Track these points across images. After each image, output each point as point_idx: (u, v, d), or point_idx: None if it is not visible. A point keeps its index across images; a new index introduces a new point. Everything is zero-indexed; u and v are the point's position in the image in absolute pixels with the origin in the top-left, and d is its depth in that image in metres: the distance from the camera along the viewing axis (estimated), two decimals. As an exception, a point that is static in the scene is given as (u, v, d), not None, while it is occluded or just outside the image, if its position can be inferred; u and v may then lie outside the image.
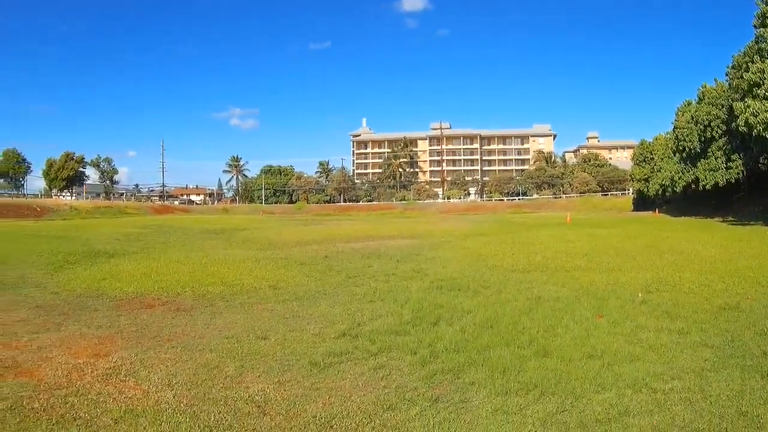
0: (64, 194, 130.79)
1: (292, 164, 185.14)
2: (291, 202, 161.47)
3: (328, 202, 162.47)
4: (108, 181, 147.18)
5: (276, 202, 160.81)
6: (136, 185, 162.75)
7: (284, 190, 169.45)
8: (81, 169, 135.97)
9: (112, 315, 13.48)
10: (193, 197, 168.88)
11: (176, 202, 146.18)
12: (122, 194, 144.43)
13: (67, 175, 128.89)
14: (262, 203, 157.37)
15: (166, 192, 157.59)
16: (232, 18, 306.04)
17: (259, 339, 10.87)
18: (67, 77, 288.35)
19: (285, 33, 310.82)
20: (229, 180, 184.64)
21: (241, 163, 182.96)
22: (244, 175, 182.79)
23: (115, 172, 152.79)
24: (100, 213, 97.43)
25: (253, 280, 18.74)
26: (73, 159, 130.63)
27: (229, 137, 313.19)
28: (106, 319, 13.03)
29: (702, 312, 12.49)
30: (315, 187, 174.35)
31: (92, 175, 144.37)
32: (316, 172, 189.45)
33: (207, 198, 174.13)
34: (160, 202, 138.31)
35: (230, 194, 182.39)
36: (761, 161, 61.50)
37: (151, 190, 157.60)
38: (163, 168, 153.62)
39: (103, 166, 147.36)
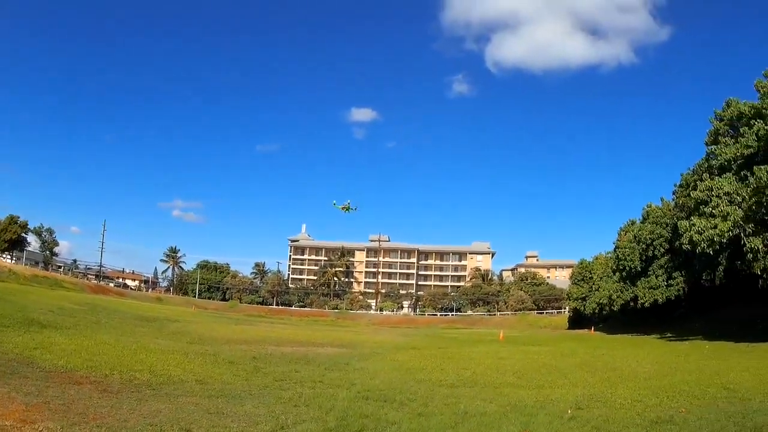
0: (4, 256, 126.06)
1: (228, 262, 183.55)
2: (224, 299, 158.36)
3: (261, 303, 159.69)
4: (48, 252, 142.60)
5: (209, 298, 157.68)
6: (74, 261, 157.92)
7: (218, 287, 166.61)
8: (23, 235, 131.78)
9: (41, 385, 13.63)
10: (128, 281, 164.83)
11: (112, 284, 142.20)
12: (60, 267, 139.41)
13: (9, 238, 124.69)
14: (195, 297, 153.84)
15: (103, 272, 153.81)
16: (188, 111, 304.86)
17: (183, 431, 10.81)
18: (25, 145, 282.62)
19: (234, 131, 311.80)
20: (165, 270, 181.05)
21: (179, 254, 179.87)
22: (180, 267, 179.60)
23: (56, 244, 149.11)
24: (38, 282, 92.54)
25: (181, 372, 18.88)
26: (17, 223, 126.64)
27: (170, 227, 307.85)
28: (35, 387, 13.20)
29: (633, 426, 12.54)
30: (249, 287, 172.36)
31: (33, 242, 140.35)
32: (252, 273, 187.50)
33: (142, 284, 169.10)
34: (96, 282, 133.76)
35: (165, 284, 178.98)
36: (704, 277, 61.97)
37: (88, 268, 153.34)
38: (102, 248, 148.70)
39: (45, 236, 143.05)
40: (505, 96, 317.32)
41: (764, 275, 40.65)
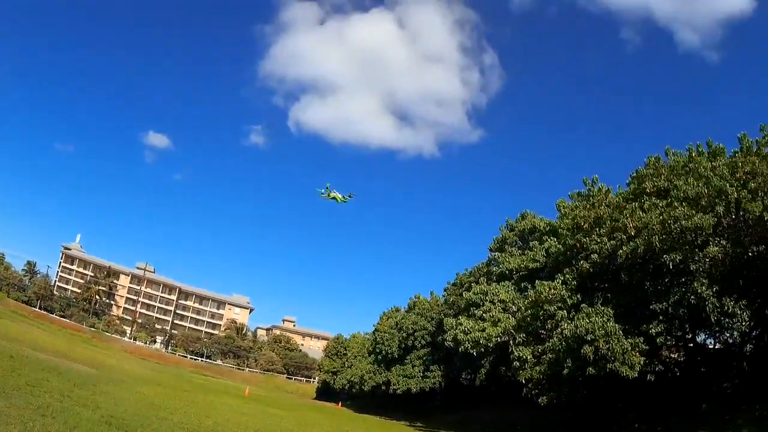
0: None
1: (3, 252, 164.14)
2: None
3: (27, 303, 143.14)
4: None
5: None
6: None
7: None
8: None
9: None
10: None
11: None
12: None
13: None
14: None
15: None
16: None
17: None
18: None
19: (29, 128, 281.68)
20: None
21: None
22: None
23: None
24: None
25: None
26: None
27: None
28: None
29: None
30: (18, 284, 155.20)
31: None
32: (23, 270, 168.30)
33: None
34: None
35: None
36: (463, 376, 60.68)
37: None
38: None
39: None
40: (297, 157, 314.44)
41: (529, 385, 39.21)
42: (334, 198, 44.24)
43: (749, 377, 33.04)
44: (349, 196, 45.51)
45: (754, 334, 34.87)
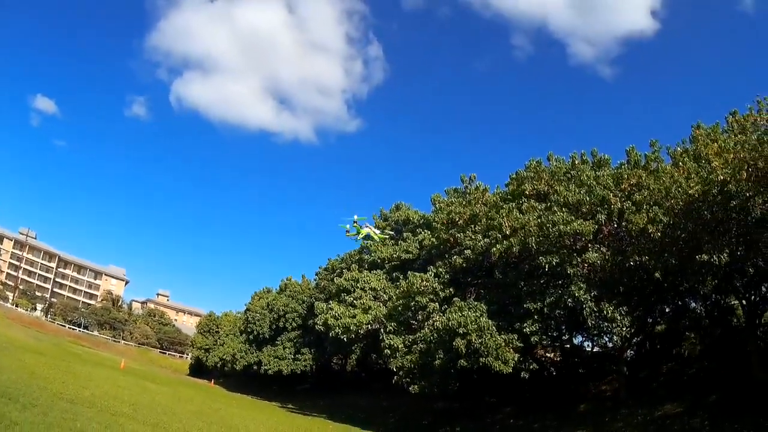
0: None
1: None
2: None
3: None
4: None
5: None
6: None
7: None
8: None
9: None
10: None
11: None
12: None
13: None
14: None
15: None
16: None
17: None
18: None
19: None
20: None
21: None
22: None
23: None
24: None
25: None
26: None
27: None
28: None
29: None
30: None
31: None
32: None
33: None
34: None
35: None
36: (334, 361, 57.25)
37: None
38: None
39: None
40: (177, 131, 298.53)
41: (400, 373, 36.52)
42: (367, 236, 38.34)
43: (630, 382, 31.72)
44: (389, 235, 42.77)
45: (635, 340, 33.59)
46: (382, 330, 40.47)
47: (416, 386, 35.04)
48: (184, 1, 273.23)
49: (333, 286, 50.67)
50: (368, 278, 46.15)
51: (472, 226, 35.20)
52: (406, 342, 37.51)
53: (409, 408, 44.14)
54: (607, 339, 30.72)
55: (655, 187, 25.24)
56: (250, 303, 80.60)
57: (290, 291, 71.31)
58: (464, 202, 37.38)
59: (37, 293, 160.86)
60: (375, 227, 41.55)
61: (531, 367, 32.00)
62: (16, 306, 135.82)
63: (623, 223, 28.22)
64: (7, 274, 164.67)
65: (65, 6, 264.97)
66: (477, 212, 35.18)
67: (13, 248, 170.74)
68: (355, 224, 37.08)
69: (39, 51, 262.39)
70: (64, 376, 25.67)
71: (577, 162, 33.88)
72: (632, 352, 35.47)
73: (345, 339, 44.40)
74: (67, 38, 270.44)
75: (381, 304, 43.03)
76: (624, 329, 28.22)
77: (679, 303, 32.53)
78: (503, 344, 29.77)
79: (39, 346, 46.54)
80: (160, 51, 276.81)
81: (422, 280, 36.35)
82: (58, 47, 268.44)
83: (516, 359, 30.31)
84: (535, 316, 29.97)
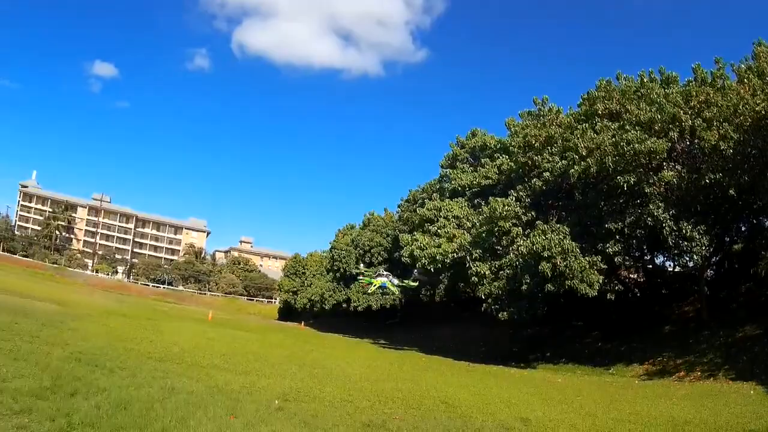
0: None
1: None
2: None
3: None
4: None
5: None
6: None
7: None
8: None
9: None
10: None
11: None
12: None
13: None
14: None
15: None
16: None
17: None
18: None
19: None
20: None
21: None
22: None
23: None
24: None
25: None
26: None
27: None
28: None
29: (343, 426, 11.70)
30: None
31: None
32: None
33: None
34: None
35: None
36: (422, 293, 61.14)
37: None
38: None
39: None
40: (243, 79, 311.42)
41: (489, 300, 39.48)
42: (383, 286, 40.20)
43: (711, 303, 33.67)
44: (412, 283, 42.84)
45: (714, 259, 35.49)
46: (467, 258, 42.83)
47: (505, 313, 37.64)
48: None
49: (416, 217, 53.33)
50: (450, 206, 48.29)
51: (549, 148, 37.21)
52: (493, 268, 39.98)
53: (498, 336, 47.32)
54: (687, 258, 32.39)
55: (723, 104, 26.63)
56: (334, 241, 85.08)
57: (374, 225, 75.12)
58: (539, 125, 39.13)
59: (117, 256, 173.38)
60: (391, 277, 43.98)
61: (616, 288, 34.49)
62: (96, 272, 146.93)
63: (695, 141, 29.80)
64: (84, 241, 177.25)
65: None
66: (552, 134, 37.11)
67: (88, 215, 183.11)
68: (363, 279, 39.03)
69: (91, 18, 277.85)
70: (151, 334, 27.37)
71: (645, 80, 35.17)
72: (711, 272, 37.25)
73: (432, 269, 47.10)
74: (120, 2, 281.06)
75: (465, 232, 45.10)
76: (703, 248, 29.90)
77: (754, 221, 34.10)
78: (587, 266, 32.19)
79: (123, 309, 48.92)
80: (215, 2, 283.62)
81: (504, 205, 38.48)
82: (110, 12, 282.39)
83: (601, 281, 32.58)
84: (617, 236, 32.27)
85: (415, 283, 44.22)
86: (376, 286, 39.76)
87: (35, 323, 21.98)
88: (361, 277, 39.39)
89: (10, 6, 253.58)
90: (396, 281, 39.53)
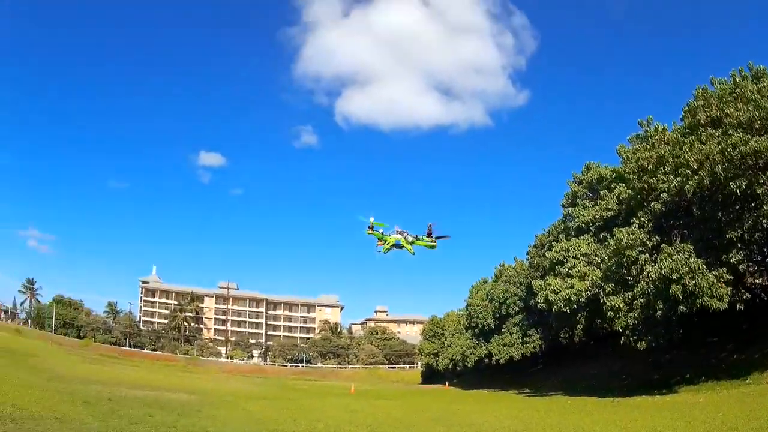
0: None
1: (82, 299, 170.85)
2: (79, 336, 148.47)
3: (114, 344, 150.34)
4: None
5: (65, 334, 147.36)
6: None
7: (73, 324, 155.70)
8: None
9: None
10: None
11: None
12: None
13: None
14: (52, 332, 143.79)
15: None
16: (43, 139, 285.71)
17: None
18: None
19: (84, 168, 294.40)
20: (23, 301, 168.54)
21: (36, 286, 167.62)
22: (37, 299, 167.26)
23: None
24: None
25: (41, 408, 18.64)
26: None
27: (27, 257, 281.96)
28: None
29: None
30: (102, 327, 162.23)
31: None
32: (104, 312, 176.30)
33: (2, 314, 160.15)
34: None
35: (23, 315, 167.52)
36: (561, 335, 62.15)
37: None
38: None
39: None
40: (352, 150, 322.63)
41: (626, 332, 40.35)
42: (398, 244, 34.74)
43: None
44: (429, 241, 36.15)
45: None
46: (601, 293, 44.00)
47: (643, 342, 38.40)
48: (319, 23, 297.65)
49: (546, 261, 54.94)
50: (578, 245, 49.61)
51: (662, 168, 38.28)
52: (626, 299, 40.97)
53: (638, 366, 47.39)
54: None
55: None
56: (469, 297, 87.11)
57: (506, 276, 76.74)
58: (648, 146, 40.36)
59: (251, 341, 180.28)
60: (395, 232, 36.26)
61: (744, 297, 34.82)
62: (231, 358, 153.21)
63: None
64: (215, 330, 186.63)
65: (203, 59, 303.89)
66: (662, 153, 38.14)
67: (216, 303, 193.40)
68: (371, 231, 34.74)
69: (191, 111, 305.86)
70: (294, 414, 28.23)
71: (737, 79, 36.21)
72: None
73: (568, 311, 48.17)
74: (217, 92, 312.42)
75: (595, 268, 46.34)
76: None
77: None
78: (715, 281, 32.87)
79: (262, 391, 50.31)
80: (310, 77, 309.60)
81: (628, 234, 39.69)
82: (208, 103, 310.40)
83: (729, 293, 33.12)
84: (738, 245, 33.01)
85: (433, 243, 37.22)
86: (389, 245, 34.70)
87: (171, 414, 22.87)
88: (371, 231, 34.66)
89: (105, 114, 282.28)
90: (411, 238, 35.06)
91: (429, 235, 35.31)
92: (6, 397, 19.54)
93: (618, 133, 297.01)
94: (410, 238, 34.43)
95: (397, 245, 34.36)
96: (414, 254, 35.01)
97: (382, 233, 34.53)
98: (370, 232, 34.39)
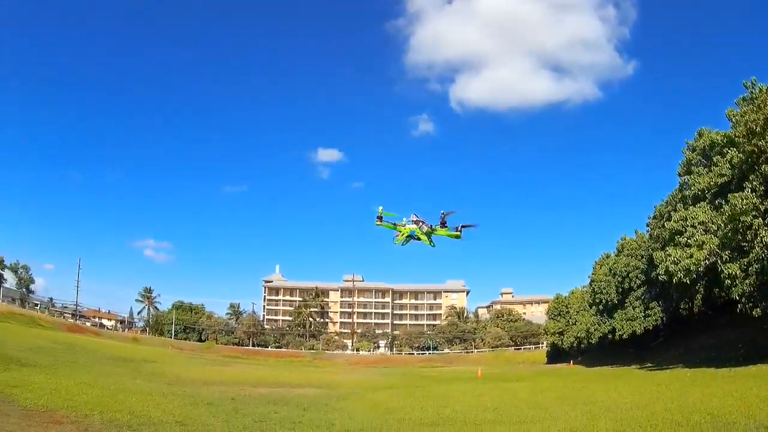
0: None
1: (203, 303, 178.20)
2: (200, 340, 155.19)
3: (237, 344, 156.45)
4: (24, 289, 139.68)
5: (185, 339, 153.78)
6: (51, 299, 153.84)
7: (194, 328, 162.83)
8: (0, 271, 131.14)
9: (23, 423, 14.03)
10: (104, 321, 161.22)
11: (88, 324, 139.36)
12: (37, 305, 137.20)
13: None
14: (171, 338, 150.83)
15: (79, 311, 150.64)
16: (154, 152, 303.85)
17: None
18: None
19: (201, 171, 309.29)
20: (141, 310, 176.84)
21: (153, 295, 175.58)
22: (155, 307, 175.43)
23: (32, 281, 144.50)
24: (15, 319, 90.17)
25: (161, 413, 18.72)
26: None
27: (143, 267, 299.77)
28: (17, 426, 13.63)
29: None
30: (225, 329, 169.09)
31: (9, 279, 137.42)
32: (227, 314, 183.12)
33: (118, 324, 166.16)
34: (72, 321, 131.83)
35: (141, 324, 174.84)
36: (681, 307, 61.77)
37: (65, 307, 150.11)
38: (78, 286, 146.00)
39: (21, 272, 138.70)
40: (470, 134, 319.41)
41: (743, 300, 40.30)
42: (412, 235, 31.93)
43: None
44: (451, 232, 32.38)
45: None
46: (719, 261, 44.05)
47: (758, 309, 38.61)
48: (424, 12, 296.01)
49: (665, 232, 54.70)
50: (695, 213, 49.18)
51: (769, 129, 38.21)
52: (742, 266, 41.01)
53: (755, 334, 47.04)
54: None
55: None
56: (593, 273, 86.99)
57: (627, 250, 76.44)
58: (755, 108, 40.16)
59: (378, 331, 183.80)
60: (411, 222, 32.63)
61: None
62: (357, 350, 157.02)
63: None
64: (341, 323, 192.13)
65: (318, 58, 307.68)
66: (769, 114, 38.12)
67: (341, 297, 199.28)
68: (380, 222, 32.19)
69: (309, 109, 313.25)
70: (421, 401, 28.39)
71: None
72: None
73: (688, 281, 48.38)
74: (331, 88, 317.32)
75: (712, 236, 46.16)
76: None
77: None
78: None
79: (388, 381, 50.67)
80: (422, 66, 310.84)
81: (742, 199, 39.72)
82: (325, 100, 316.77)
83: None
84: None
85: (458, 233, 32.76)
86: (404, 236, 31.74)
87: (296, 409, 23.29)
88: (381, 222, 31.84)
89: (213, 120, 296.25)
90: (426, 228, 31.60)
91: (443, 224, 32.27)
92: (123, 405, 19.23)
93: (726, 96, 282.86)
94: (425, 228, 31.88)
95: (413, 236, 32.04)
96: (434, 246, 32.59)
97: (395, 224, 32.32)
98: (380, 223, 32.28)
